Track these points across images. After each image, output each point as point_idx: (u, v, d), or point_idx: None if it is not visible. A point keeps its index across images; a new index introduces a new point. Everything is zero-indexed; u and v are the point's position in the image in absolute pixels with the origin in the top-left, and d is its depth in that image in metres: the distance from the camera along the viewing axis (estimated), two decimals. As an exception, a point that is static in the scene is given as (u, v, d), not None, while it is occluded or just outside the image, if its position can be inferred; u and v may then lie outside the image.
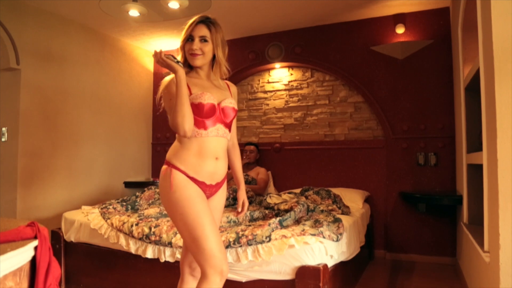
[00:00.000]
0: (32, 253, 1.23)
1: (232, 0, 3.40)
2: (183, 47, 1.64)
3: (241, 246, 2.09)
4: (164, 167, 1.62)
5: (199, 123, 1.58)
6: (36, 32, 3.52)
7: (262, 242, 2.06)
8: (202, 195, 1.58)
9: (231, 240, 2.10)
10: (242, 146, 4.23)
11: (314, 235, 2.08)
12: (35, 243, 1.23)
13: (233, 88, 1.80)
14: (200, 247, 1.47)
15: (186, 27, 1.63)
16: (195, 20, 1.62)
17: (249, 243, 2.07)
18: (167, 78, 1.63)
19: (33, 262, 1.24)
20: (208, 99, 1.58)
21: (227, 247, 2.10)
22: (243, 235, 2.11)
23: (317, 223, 2.29)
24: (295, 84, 4.30)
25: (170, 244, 2.26)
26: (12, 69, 3.33)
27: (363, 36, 3.90)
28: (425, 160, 3.61)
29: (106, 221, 2.65)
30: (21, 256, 1.16)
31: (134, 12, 3.27)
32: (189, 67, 1.67)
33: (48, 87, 3.65)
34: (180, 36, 1.65)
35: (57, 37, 3.73)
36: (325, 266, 2.00)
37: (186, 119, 1.48)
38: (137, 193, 3.25)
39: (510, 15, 1.61)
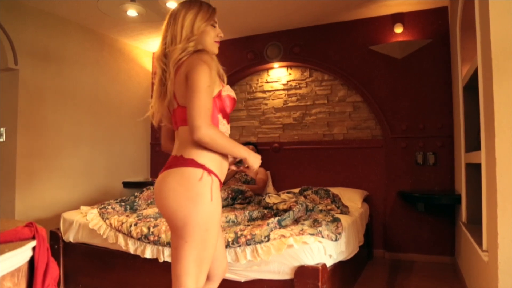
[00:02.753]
0: (30, 254, 1.23)
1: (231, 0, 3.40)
2: (207, 32, 1.50)
3: (240, 246, 2.08)
4: (194, 169, 1.34)
5: (227, 116, 1.51)
6: (34, 32, 3.52)
7: (261, 242, 2.06)
8: None
9: (230, 240, 2.10)
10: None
11: (313, 234, 2.08)
12: (33, 243, 1.23)
13: None
14: (201, 270, 1.34)
15: (209, 11, 1.51)
16: (211, 6, 1.54)
17: (247, 243, 2.07)
18: (208, 62, 1.39)
19: (31, 262, 1.24)
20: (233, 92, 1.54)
21: (226, 247, 2.09)
22: (241, 235, 2.11)
23: (316, 223, 2.29)
24: (293, 83, 4.30)
25: (169, 244, 2.25)
26: (10, 69, 3.32)
27: (362, 35, 3.90)
28: (424, 159, 3.61)
29: (104, 221, 2.64)
30: (19, 256, 1.16)
31: (132, 12, 3.26)
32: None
33: (46, 87, 3.64)
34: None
35: (55, 37, 3.72)
36: (324, 265, 2.00)
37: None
38: (136, 193, 3.24)
39: (508, 15, 1.61)
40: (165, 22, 1.52)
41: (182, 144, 1.41)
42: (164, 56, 1.48)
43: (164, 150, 1.62)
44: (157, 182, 1.39)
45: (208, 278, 1.54)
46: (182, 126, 1.42)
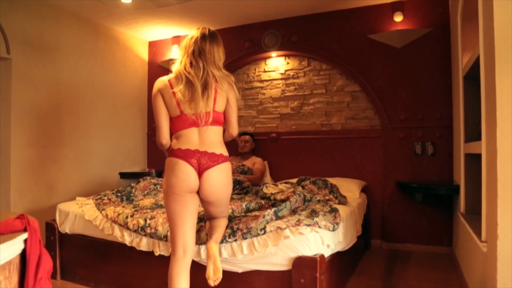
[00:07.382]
0: (22, 246, 1.21)
1: (228, -13, 3.33)
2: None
3: (236, 240, 2.06)
4: (229, 164, 1.97)
5: None
6: (27, 21, 3.44)
7: (257, 235, 2.04)
8: None
9: (226, 234, 2.07)
10: (238, 136, 4.20)
11: (309, 225, 2.06)
12: (25, 236, 1.21)
13: None
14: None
15: None
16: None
17: (244, 237, 2.05)
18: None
19: (23, 255, 1.22)
20: None
21: (221, 242, 2.07)
22: (238, 228, 2.08)
23: (313, 213, 2.27)
24: (291, 73, 4.25)
25: (165, 237, 2.23)
26: (2, 58, 3.26)
27: (361, 24, 3.85)
28: (422, 149, 3.59)
29: (100, 212, 2.62)
30: (10, 249, 1.14)
31: (127, -1, 3.19)
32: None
33: (41, 77, 3.58)
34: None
35: (48, 26, 3.65)
36: (322, 256, 1.99)
37: None
38: (132, 184, 3.22)
39: None
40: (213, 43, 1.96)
41: (215, 143, 1.93)
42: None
43: (167, 144, 2.00)
44: (217, 174, 1.89)
45: (184, 252, 1.87)
46: (216, 126, 1.94)
